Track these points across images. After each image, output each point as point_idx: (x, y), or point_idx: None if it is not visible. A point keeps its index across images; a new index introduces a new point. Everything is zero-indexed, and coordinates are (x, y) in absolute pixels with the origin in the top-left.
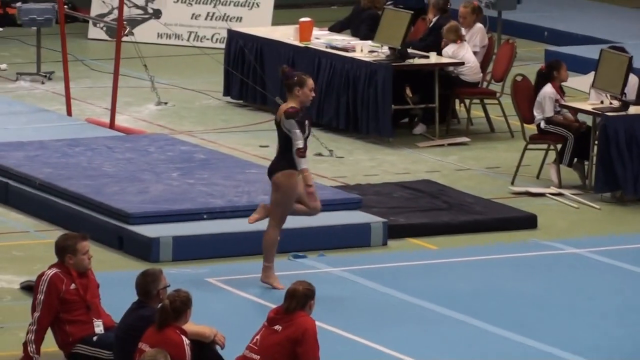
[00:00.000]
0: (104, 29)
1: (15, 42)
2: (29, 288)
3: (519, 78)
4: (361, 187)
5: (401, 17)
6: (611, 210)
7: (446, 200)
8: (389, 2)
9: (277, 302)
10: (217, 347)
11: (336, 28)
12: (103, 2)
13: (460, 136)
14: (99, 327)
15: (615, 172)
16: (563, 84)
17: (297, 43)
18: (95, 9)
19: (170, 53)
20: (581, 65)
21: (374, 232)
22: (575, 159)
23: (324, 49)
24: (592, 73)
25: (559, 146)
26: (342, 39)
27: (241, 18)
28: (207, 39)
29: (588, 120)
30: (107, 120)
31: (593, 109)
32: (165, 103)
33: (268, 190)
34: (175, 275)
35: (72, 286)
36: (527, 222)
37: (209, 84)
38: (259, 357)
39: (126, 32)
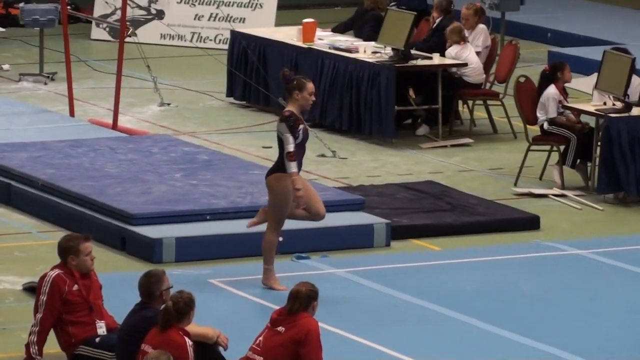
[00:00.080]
0: (107, 29)
1: (18, 42)
2: (31, 289)
3: (522, 79)
4: (364, 188)
5: (404, 18)
6: (614, 212)
7: (449, 202)
8: (392, 3)
9: (280, 303)
10: (220, 349)
11: (339, 29)
12: (106, 2)
13: (463, 137)
14: (101, 329)
15: (617, 173)
16: (566, 85)
17: (300, 44)
18: (98, 10)
19: (173, 54)
20: (584, 67)
21: (377, 233)
22: (578, 160)
23: (327, 50)
24: (595, 74)
25: (561, 147)
26: (345, 40)
27: (244, 19)
28: (210, 40)
29: (591, 121)
30: (109, 121)
31: (596, 110)
32: (168, 104)
33: None
34: (178, 277)
35: (75, 287)
36: (530, 223)
37: (212, 85)
38: (261, 358)
39: (129, 32)
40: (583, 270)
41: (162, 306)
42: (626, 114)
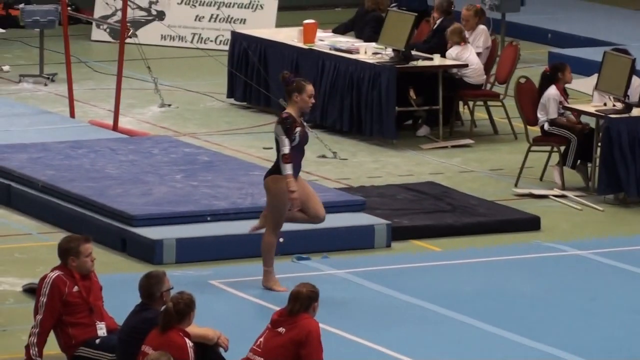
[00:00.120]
0: (108, 30)
1: (18, 43)
2: (31, 290)
3: (522, 80)
4: (365, 189)
5: (405, 19)
6: (614, 212)
7: (450, 202)
8: (392, 4)
9: (281, 304)
10: (221, 350)
11: (340, 30)
12: (106, 3)
13: (464, 138)
14: (102, 330)
15: (618, 174)
16: (566, 86)
17: (301, 45)
18: (99, 11)
19: (173, 55)
20: (584, 68)
21: (377, 234)
22: (579, 161)
23: (327, 51)
24: (595, 75)
25: (562, 148)
26: (346, 41)
27: (245, 20)
28: (211, 41)
29: (591, 122)
30: (110, 122)
31: (596, 111)
32: (169, 105)
33: None
34: (179, 278)
35: (75, 289)
36: (531, 223)
37: (212, 86)
38: (262, 359)
39: (129, 33)
40: (583, 270)
41: (163, 307)
42: (626, 115)
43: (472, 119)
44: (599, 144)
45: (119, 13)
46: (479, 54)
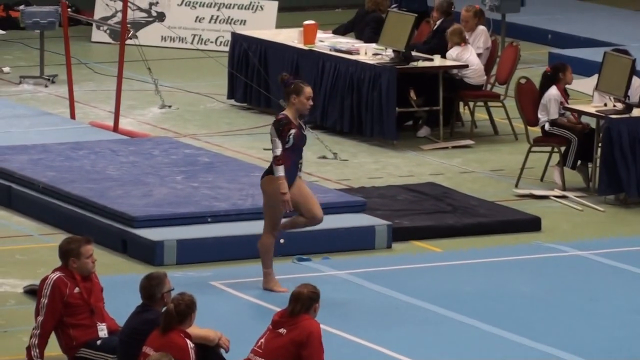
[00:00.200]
0: (108, 32)
1: (19, 45)
2: (32, 292)
3: (522, 81)
4: (365, 189)
5: (405, 20)
6: (615, 213)
7: (450, 203)
8: (393, 5)
9: (282, 305)
10: (222, 351)
11: (340, 31)
12: (107, 5)
13: (465, 139)
14: (103, 331)
15: (618, 175)
16: (567, 86)
17: (301, 46)
18: (99, 12)
19: (174, 56)
20: (585, 68)
21: (378, 234)
22: (579, 162)
23: (328, 51)
24: (596, 76)
25: (562, 148)
26: (347, 42)
27: (245, 21)
28: (211, 42)
29: (592, 122)
30: (110, 123)
31: (597, 111)
32: (169, 106)
33: None
34: (180, 279)
35: (76, 290)
36: (531, 224)
37: (213, 87)
38: None
39: (130, 35)
40: (584, 271)
41: (164, 308)
42: (627, 115)
43: (472, 120)
44: (600, 145)
45: (119, 14)
46: (479, 55)
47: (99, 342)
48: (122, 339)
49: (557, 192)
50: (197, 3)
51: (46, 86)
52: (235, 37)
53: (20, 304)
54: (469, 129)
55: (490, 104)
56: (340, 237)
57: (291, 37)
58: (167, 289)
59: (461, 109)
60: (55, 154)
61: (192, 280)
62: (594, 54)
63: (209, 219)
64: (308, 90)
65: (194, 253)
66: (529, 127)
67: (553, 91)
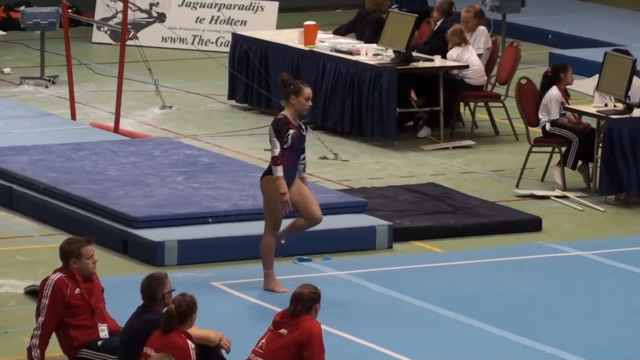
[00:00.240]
0: (108, 32)
1: (19, 46)
2: (33, 292)
3: (523, 81)
4: (366, 190)
5: (406, 21)
6: (615, 213)
7: (451, 203)
8: (393, 6)
9: (283, 305)
10: (223, 351)
11: (341, 31)
12: (107, 5)
13: (465, 139)
14: (103, 332)
15: (619, 175)
16: (567, 86)
17: (301, 46)
18: (100, 13)
19: (174, 57)
20: (585, 68)
21: (379, 235)
22: (580, 162)
23: (328, 52)
24: (596, 76)
25: (563, 149)
26: (347, 43)
27: (246, 22)
28: (212, 43)
29: (592, 122)
30: (111, 124)
31: (597, 111)
32: (170, 107)
33: None
34: (180, 279)
35: (77, 290)
36: (532, 224)
37: (213, 88)
38: None
39: (130, 35)
40: (585, 271)
41: (165, 309)
42: (627, 116)
43: (473, 120)
44: (600, 145)
45: (120, 15)
46: (479, 55)
47: (99, 342)
48: (122, 339)
49: (558, 193)
50: (197, 4)
51: (47, 87)
52: (236, 37)
53: (21, 304)
54: (470, 129)
55: (490, 104)
56: (341, 238)
57: (292, 37)
58: (168, 290)
59: (462, 110)
60: (56, 154)
61: (193, 281)
62: (594, 54)
63: (210, 220)
64: (307, 90)
65: (195, 253)
66: (529, 128)
67: (554, 91)
